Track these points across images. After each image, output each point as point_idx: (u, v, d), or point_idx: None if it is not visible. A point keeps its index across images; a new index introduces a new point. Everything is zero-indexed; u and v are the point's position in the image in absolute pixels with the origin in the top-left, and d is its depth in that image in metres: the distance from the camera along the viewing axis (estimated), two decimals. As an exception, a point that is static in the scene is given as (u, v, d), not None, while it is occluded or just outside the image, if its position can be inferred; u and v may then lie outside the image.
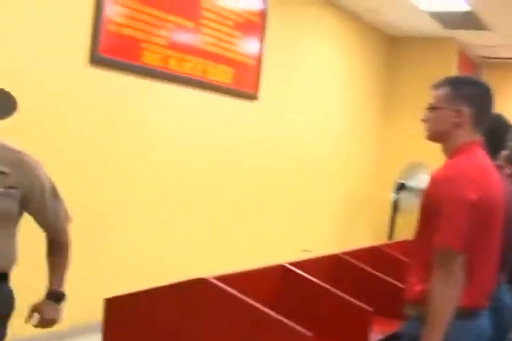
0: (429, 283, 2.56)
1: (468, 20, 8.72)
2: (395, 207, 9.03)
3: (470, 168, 2.66)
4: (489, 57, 11.48)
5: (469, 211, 2.55)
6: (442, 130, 2.74)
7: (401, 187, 8.87)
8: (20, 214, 2.71)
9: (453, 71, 9.83)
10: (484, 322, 2.70)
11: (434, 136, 2.78)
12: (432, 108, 2.76)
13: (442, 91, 2.75)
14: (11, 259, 2.70)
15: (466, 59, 11.01)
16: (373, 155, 10.12)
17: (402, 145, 9.93)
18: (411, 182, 8.68)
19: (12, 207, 2.63)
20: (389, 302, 3.60)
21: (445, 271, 2.53)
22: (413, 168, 8.66)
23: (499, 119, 3.51)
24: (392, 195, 9.04)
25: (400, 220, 8.88)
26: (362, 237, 9.56)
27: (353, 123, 9.43)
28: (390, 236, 8.84)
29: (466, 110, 2.70)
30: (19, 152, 2.66)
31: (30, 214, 2.75)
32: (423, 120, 2.79)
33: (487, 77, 11.79)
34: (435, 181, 2.64)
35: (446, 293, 2.52)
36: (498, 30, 9.15)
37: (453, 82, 2.76)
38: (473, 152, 2.73)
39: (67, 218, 2.86)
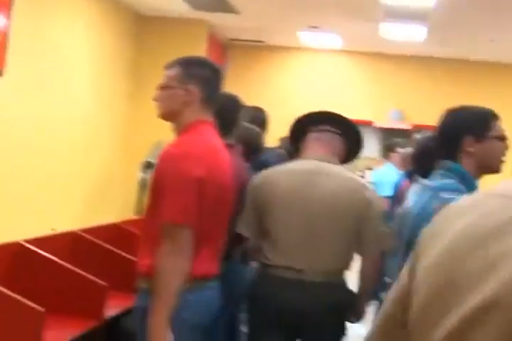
0: (156, 257, 2.64)
1: (217, 3, 8.93)
2: (143, 185, 9.10)
3: (198, 145, 2.75)
4: (237, 40, 11.84)
5: (196, 187, 2.64)
6: (173, 109, 2.81)
7: (148, 166, 8.95)
8: None
9: (202, 53, 10.02)
10: (213, 293, 2.82)
11: (166, 115, 2.84)
12: (163, 87, 2.82)
13: (173, 71, 2.82)
14: None
15: (215, 41, 11.28)
16: (123, 135, 10.09)
17: (151, 124, 9.97)
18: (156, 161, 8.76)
19: None
20: (126, 278, 3.64)
21: (172, 245, 2.60)
22: (160, 147, 8.75)
23: (231, 99, 3.62)
24: (139, 174, 9.10)
25: (147, 198, 8.94)
26: (111, 215, 9.53)
27: (101, 103, 9.32)
28: (138, 214, 8.90)
29: (196, 89, 2.79)
30: None
31: None
32: (155, 99, 2.84)
33: (235, 59, 12.20)
34: (163, 158, 2.71)
35: (173, 267, 2.60)
36: (245, 13, 9.45)
37: (184, 63, 2.84)
38: (202, 130, 2.82)
39: None
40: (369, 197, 3.23)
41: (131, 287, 2.96)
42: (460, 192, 2.45)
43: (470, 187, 2.52)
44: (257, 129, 4.42)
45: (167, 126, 2.89)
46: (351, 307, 3.31)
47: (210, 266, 2.82)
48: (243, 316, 3.68)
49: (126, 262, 3.98)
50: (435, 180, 2.59)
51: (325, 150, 3.30)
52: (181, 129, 2.80)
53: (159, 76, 2.88)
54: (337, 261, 3.23)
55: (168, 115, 2.83)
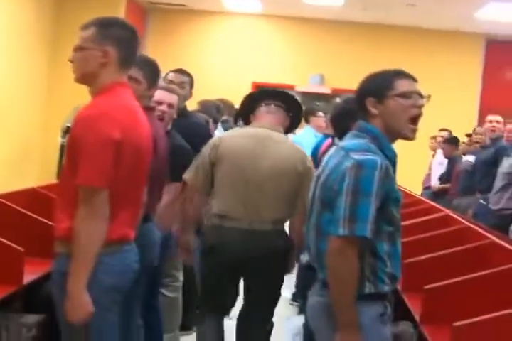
0: (74, 220, 2.62)
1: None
2: (63, 150, 8.97)
3: (114, 107, 2.71)
4: (158, 3, 11.69)
5: (112, 149, 2.61)
6: (89, 71, 2.75)
7: (67, 131, 8.81)
8: None
9: (120, 16, 9.87)
10: (130, 256, 2.81)
11: (82, 78, 2.78)
12: (79, 48, 2.77)
13: (88, 32, 2.76)
14: None
15: (135, 4, 11.12)
16: (43, 100, 9.90)
17: (71, 89, 9.79)
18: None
19: None
20: (44, 243, 3.59)
21: (89, 208, 2.58)
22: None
23: (152, 63, 3.60)
24: (59, 139, 8.97)
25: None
26: (32, 181, 9.38)
27: (20, 68, 9.11)
28: (59, 179, 8.78)
29: (112, 50, 2.74)
30: None
31: None
32: (70, 61, 2.78)
33: (156, 23, 12.06)
34: (79, 120, 2.66)
35: (91, 229, 2.58)
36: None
37: (99, 23, 2.78)
38: (119, 92, 2.78)
39: None
40: (309, 165, 3.84)
41: (49, 252, 2.94)
42: (371, 151, 2.48)
43: (383, 146, 2.54)
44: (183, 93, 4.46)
45: (87, 90, 2.83)
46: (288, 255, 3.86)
47: (127, 229, 2.80)
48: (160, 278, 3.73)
49: (44, 227, 3.94)
50: (347, 141, 2.62)
51: (273, 121, 3.90)
52: (97, 91, 2.75)
53: (77, 39, 2.81)
54: (280, 213, 3.80)
55: (83, 77, 2.77)
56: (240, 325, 3.96)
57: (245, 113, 4.03)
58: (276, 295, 3.91)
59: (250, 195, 3.72)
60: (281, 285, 3.92)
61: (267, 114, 3.90)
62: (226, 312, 3.94)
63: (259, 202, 3.72)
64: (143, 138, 2.82)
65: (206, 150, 3.84)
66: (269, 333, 3.93)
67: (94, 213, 2.60)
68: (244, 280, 3.90)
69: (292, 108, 4.00)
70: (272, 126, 3.87)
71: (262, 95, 4.01)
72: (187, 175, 3.84)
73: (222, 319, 3.93)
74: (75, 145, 2.64)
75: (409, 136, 2.57)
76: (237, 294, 3.94)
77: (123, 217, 2.74)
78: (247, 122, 4.04)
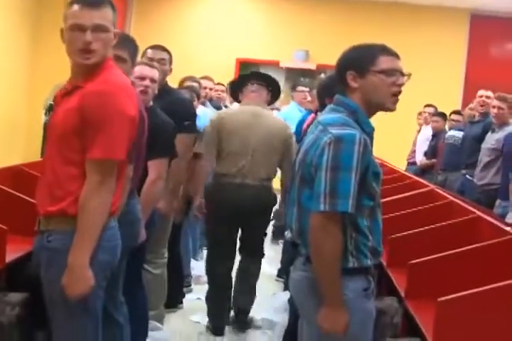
0: (76, 195, 2.60)
1: None
2: (46, 128, 8.92)
3: (125, 83, 2.73)
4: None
5: (129, 124, 2.64)
6: (106, 54, 2.71)
7: (50, 109, 8.75)
8: None
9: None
10: (117, 232, 2.81)
11: (100, 60, 2.68)
12: (104, 30, 2.65)
13: (109, 13, 2.66)
14: None
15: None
16: (26, 79, 9.82)
17: (55, 67, 9.72)
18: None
19: None
20: (27, 221, 3.57)
21: (104, 181, 2.59)
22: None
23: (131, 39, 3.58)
24: (43, 117, 8.90)
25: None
26: (16, 159, 9.34)
27: (1, 48, 9.01)
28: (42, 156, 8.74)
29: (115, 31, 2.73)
30: None
31: None
32: (89, 42, 2.62)
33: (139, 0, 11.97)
34: (92, 95, 2.61)
35: (102, 202, 2.60)
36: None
37: (111, 4, 2.70)
38: (115, 68, 2.76)
39: None
40: (289, 132, 4.97)
41: (30, 230, 2.91)
42: (349, 125, 2.46)
43: (361, 121, 2.52)
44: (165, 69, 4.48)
45: (69, 68, 2.77)
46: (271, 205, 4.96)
47: (118, 203, 2.80)
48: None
49: (27, 205, 3.90)
50: (324, 115, 2.59)
51: (259, 98, 4.92)
52: (94, 68, 2.69)
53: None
54: (268, 171, 4.85)
55: (100, 59, 2.69)
56: (241, 258, 5.05)
57: (235, 92, 5.08)
58: (263, 233, 5.06)
59: (246, 158, 4.75)
60: (267, 226, 5.10)
61: (252, 93, 4.90)
62: (230, 257, 4.95)
63: (252, 163, 4.75)
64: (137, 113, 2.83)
65: (210, 128, 4.84)
66: (260, 261, 5.04)
67: (107, 186, 2.61)
68: (239, 224, 4.89)
69: (270, 83, 5.01)
70: (258, 102, 4.88)
71: (246, 77, 5.04)
72: (200, 150, 4.96)
73: (229, 263, 4.94)
74: (88, 120, 2.60)
75: (391, 108, 2.56)
76: (235, 242, 4.96)
77: (117, 192, 2.74)
78: (236, 99, 5.16)
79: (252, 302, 4.98)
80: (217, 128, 4.80)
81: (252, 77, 4.98)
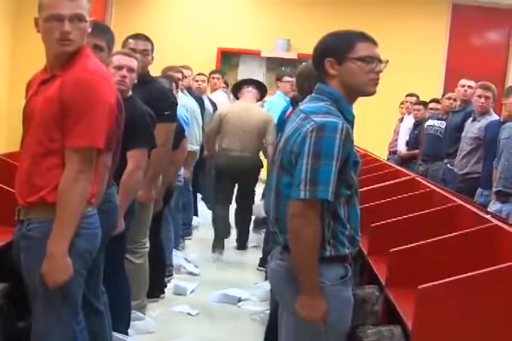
0: (56, 183, 2.61)
1: None
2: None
3: (105, 71, 2.74)
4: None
5: (107, 112, 2.66)
6: (82, 43, 2.71)
7: (31, 98, 8.69)
8: None
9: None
10: (96, 220, 2.80)
11: (75, 50, 2.69)
12: (81, 19, 2.66)
13: (84, 2, 2.67)
14: None
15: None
16: (8, 67, 9.76)
17: (37, 55, 9.64)
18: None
19: None
20: (6, 212, 3.54)
21: (83, 169, 2.61)
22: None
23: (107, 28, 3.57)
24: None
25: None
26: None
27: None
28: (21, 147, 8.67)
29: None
30: None
31: None
32: (68, 32, 2.63)
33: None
34: (74, 83, 2.61)
35: (81, 190, 2.61)
36: None
37: None
38: (93, 56, 2.76)
39: None
40: (269, 116, 6.92)
41: (12, 220, 2.89)
42: (332, 114, 2.46)
43: (343, 109, 2.52)
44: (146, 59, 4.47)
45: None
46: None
47: (95, 191, 2.80)
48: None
49: (7, 195, 3.87)
50: (306, 104, 2.59)
51: (252, 97, 7.07)
52: (70, 56, 2.68)
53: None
54: (256, 146, 6.90)
55: (76, 49, 2.69)
56: (237, 202, 7.22)
57: (235, 92, 7.20)
58: (253, 189, 7.15)
59: (242, 137, 6.80)
60: (256, 184, 7.16)
61: (247, 93, 7.04)
62: (229, 202, 7.12)
63: (246, 141, 6.82)
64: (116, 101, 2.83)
65: (215, 119, 7.00)
66: (250, 206, 7.19)
67: (86, 174, 2.62)
68: (236, 180, 6.99)
69: (260, 86, 7.19)
70: (251, 100, 7.06)
71: (243, 82, 7.28)
72: (208, 129, 7.13)
73: (228, 206, 7.11)
74: (68, 108, 2.59)
75: (371, 91, 2.55)
76: (233, 192, 7.11)
77: (95, 180, 2.74)
78: (236, 96, 7.23)
79: (247, 229, 7.24)
80: (220, 119, 6.91)
81: (248, 82, 7.24)
